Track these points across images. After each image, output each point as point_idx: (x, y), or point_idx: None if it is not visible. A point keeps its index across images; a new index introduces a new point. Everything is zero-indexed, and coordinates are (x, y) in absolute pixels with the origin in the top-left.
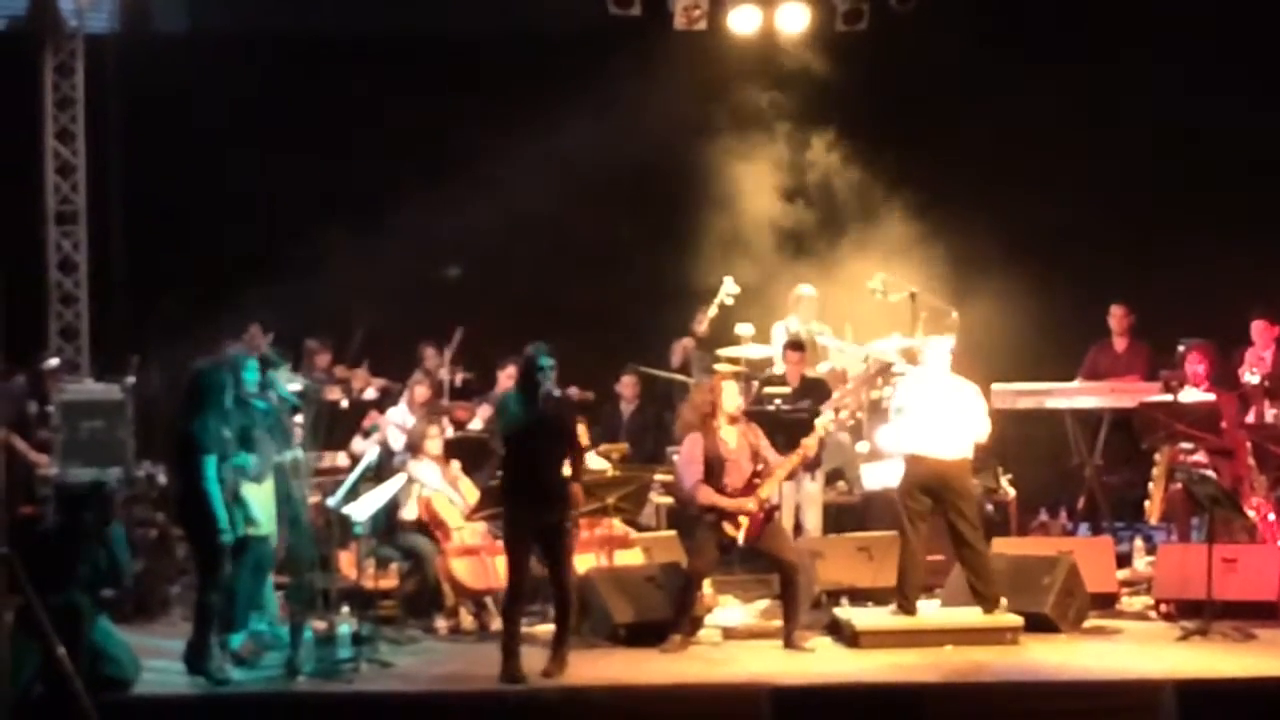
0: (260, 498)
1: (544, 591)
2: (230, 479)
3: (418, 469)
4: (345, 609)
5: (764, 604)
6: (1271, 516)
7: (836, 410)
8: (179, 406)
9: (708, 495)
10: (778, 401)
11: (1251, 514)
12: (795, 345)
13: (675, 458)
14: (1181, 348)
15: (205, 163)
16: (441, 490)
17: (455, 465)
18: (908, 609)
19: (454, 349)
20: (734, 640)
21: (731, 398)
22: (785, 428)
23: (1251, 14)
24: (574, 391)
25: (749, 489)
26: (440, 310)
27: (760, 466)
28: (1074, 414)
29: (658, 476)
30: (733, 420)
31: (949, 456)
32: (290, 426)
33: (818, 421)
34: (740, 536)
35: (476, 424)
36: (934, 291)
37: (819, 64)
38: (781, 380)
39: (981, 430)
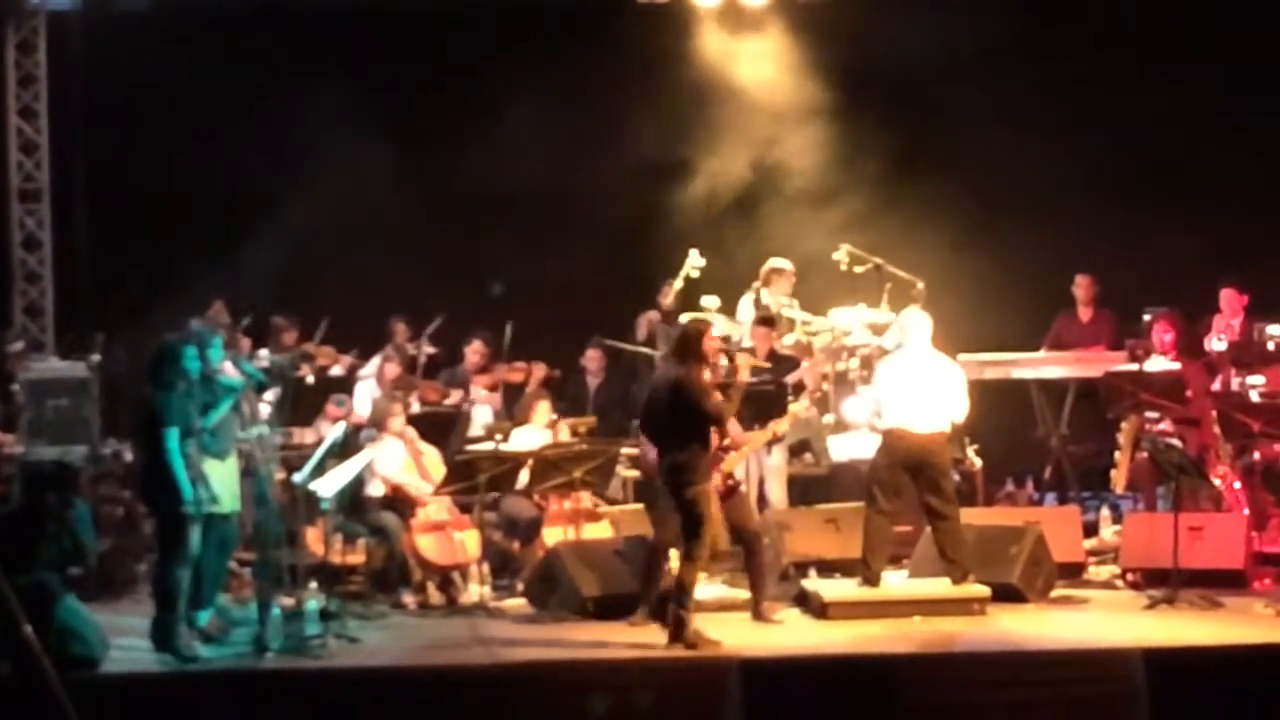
0: (223, 475)
1: (510, 566)
2: (194, 454)
3: (380, 453)
4: (313, 585)
5: (730, 576)
6: (1237, 485)
7: (803, 388)
8: (144, 380)
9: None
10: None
11: (1217, 482)
12: (764, 321)
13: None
14: (1148, 316)
15: (169, 139)
16: (402, 477)
17: (413, 431)
18: (871, 580)
19: (430, 331)
20: (702, 613)
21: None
22: (752, 400)
23: None
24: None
25: (714, 462)
26: (406, 285)
27: (726, 441)
28: (1040, 384)
29: (624, 450)
30: None
31: (927, 430)
32: (255, 403)
33: (792, 407)
34: None
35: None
36: (899, 262)
37: (783, 34)
38: (750, 354)
39: (960, 410)
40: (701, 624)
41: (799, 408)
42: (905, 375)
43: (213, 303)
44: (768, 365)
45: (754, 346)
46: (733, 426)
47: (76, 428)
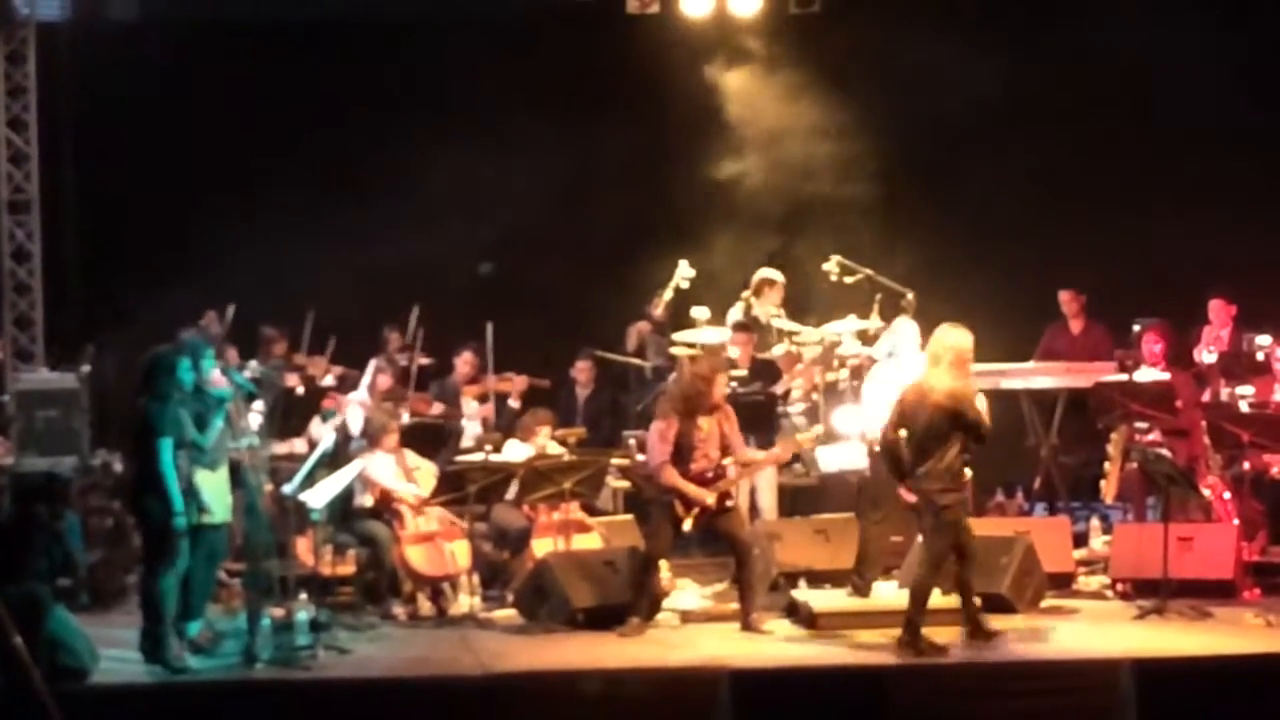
0: (213, 485)
1: (500, 577)
2: (185, 465)
3: (371, 463)
4: (303, 596)
5: (720, 587)
6: (1226, 495)
7: (789, 396)
8: (136, 390)
9: (671, 477)
10: (733, 385)
11: (1207, 493)
12: (742, 327)
13: (631, 441)
14: (1137, 327)
15: (158, 150)
16: (394, 486)
17: (414, 458)
18: (862, 591)
19: (414, 329)
20: (692, 623)
21: (721, 389)
22: (740, 410)
23: None
24: None
25: (716, 476)
26: (398, 295)
27: (728, 460)
28: (1030, 394)
29: (614, 460)
30: (711, 409)
31: None
32: (246, 414)
33: (800, 437)
34: (688, 524)
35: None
36: (889, 274)
37: (772, 47)
38: (733, 364)
39: None
40: (693, 634)
41: (809, 435)
42: (896, 384)
43: (204, 313)
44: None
45: (736, 354)
46: (734, 437)
47: (66, 438)
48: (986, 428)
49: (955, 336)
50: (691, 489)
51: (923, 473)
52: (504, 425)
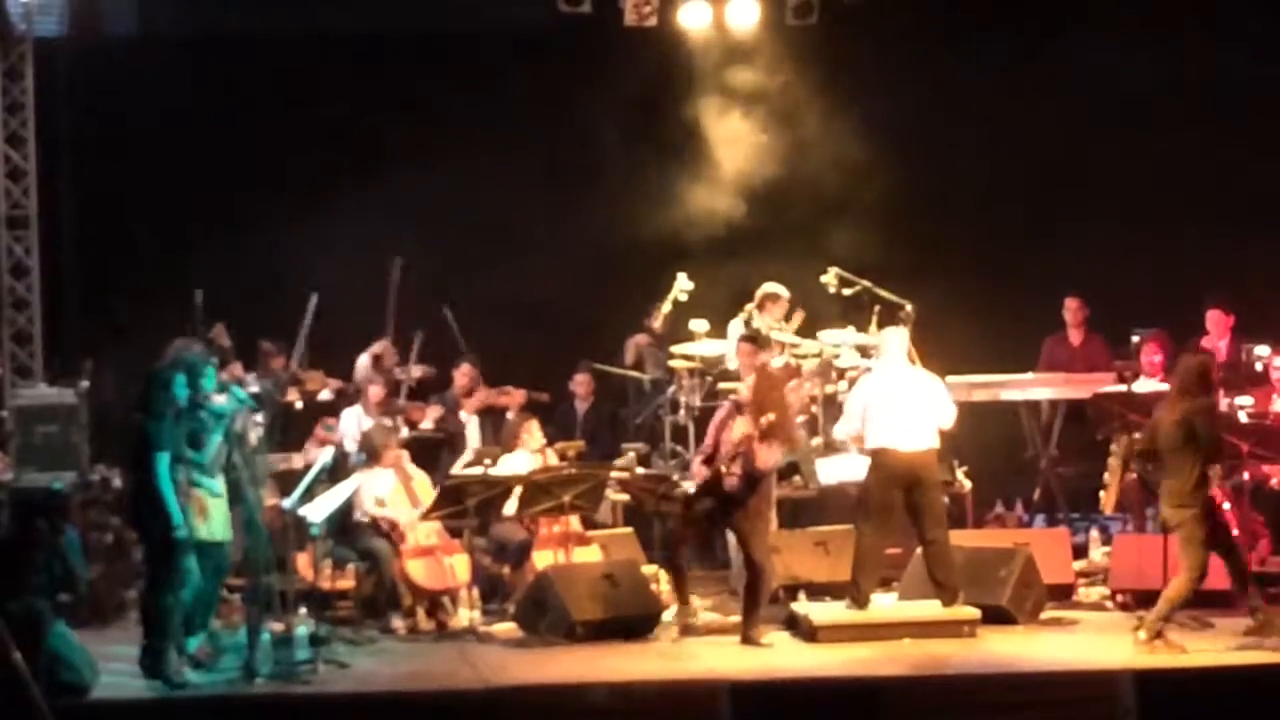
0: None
1: (500, 590)
2: (183, 480)
3: (370, 479)
4: (302, 610)
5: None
6: (1226, 505)
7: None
8: (135, 405)
9: (698, 469)
10: (733, 397)
11: None
12: (749, 339)
13: (630, 454)
14: (1136, 338)
15: (156, 165)
16: (392, 506)
17: (405, 455)
18: (860, 602)
19: (415, 355)
20: (692, 636)
21: (745, 390)
22: None
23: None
24: None
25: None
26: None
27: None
28: (1028, 406)
29: (614, 474)
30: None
31: (919, 448)
32: (246, 429)
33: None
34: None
35: (426, 424)
36: (888, 285)
37: (769, 58)
38: (736, 376)
39: (947, 417)
40: (693, 647)
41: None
42: (886, 393)
43: (213, 325)
44: None
45: (739, 365)
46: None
47: (66, 454)
48: (1218, 450)
49: (1204, 359)
50: (701, 472)
51: (1164, 491)
52: (504, 439)
